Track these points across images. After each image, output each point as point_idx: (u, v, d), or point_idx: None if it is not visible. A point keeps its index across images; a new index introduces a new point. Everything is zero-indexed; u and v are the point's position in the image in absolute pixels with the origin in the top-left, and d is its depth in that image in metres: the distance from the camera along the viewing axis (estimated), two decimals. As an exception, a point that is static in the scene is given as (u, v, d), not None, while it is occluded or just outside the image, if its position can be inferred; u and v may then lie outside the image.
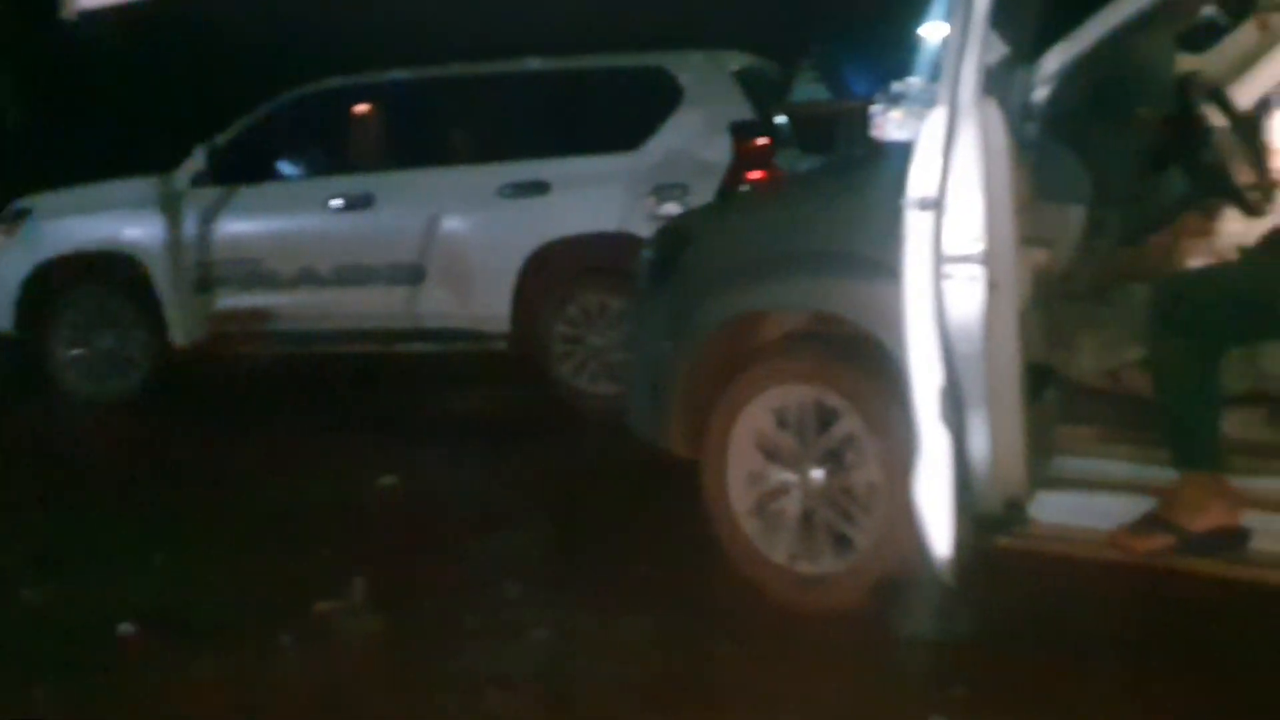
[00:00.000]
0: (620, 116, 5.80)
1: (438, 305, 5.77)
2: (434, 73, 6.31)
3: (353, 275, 5.87)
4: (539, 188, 5.61)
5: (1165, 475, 2.68)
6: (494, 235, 5.68)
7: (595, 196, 5.55)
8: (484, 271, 5.66)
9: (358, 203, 5.88)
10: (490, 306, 5.64)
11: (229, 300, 6.08)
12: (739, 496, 3.16)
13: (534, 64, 6.17)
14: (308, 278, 5.94)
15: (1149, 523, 2.62)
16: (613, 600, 3.31)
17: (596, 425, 4.96)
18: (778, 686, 2.77)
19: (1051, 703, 2.58)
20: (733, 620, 3.10)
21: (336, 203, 5.90)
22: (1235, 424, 2.81)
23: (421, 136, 6.21)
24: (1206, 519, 2.57)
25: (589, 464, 4.59)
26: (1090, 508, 2.78)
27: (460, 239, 5.73)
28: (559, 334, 5.58)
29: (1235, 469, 2.61)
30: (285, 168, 6.35)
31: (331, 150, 6.38)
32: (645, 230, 4.79)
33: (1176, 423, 2.67)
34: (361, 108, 6.28)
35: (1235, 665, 2.71)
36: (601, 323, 5.51)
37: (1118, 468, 2.82)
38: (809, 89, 9.23)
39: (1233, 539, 2.56)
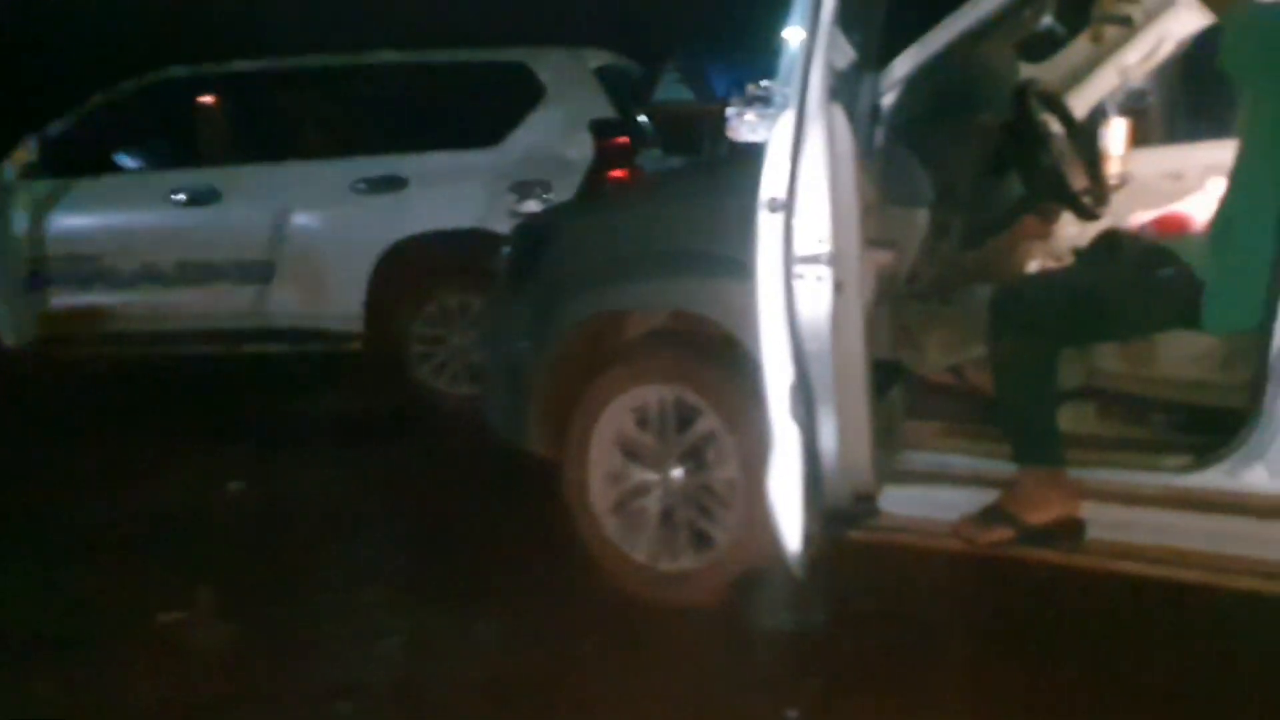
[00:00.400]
0: (480, 112, 5.74)
1: (288, 304, 5.60)
2: (285, 64, 6.12)
3: (197, 273, 5.64)
4: (395, 183, 5.50)
5: (1007, 469, 2.79)
6: (347, 232, 5.54)
7: (454, 193, 5.46)
8: (336, 269, 5.51)
9: (202, 197, 5.65)
10: (343, 305, 5.49)
11: (64, 299, 5.76)
12: (600, 496, 3.16)
13: (391, 57, 6.06)
14: (149, 276, 5.69)
15: (991, 515, 2.72)
16: (471, 603, 3.26)
17: (456, 427, 4.89)
18: (636, 685, 2.78)
19: (900, 689, 2.66)
20: (593, 620, 3.09)
21: (179, 197, 5.67)
22: (1068, 418, 2.94)
23: (271, 129, 6.03)
24: (1046, 512, 2.68)
25: (448, 466, 4.51)
26: (936, 500, 2.87)
27: (311, 235, 5.57)
28: (417, 334, 5.47)
29: (1069, 462, 2.72)
30: (124, 160, 6.08)
31: (174, 142, 6.13)
32: (505, 227, 4.70)
33: (1016, 419, 2.78)
34: (207, 99, 6.04)
35: (1074, 647, 2.83)
36: (461, 322, 5.43)
37: (962, 461, 2.91)
38: (672, 89, 9.31)
39: (1071, 530, 2.68)
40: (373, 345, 5.56)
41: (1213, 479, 2.53)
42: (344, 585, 3.42)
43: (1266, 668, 2.63)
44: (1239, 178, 2.70)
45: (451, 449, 4.66)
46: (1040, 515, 2.68)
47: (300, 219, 5.59)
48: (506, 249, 3.64)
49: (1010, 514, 2.70)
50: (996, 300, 2.88)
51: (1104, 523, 2.68)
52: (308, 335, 5.66)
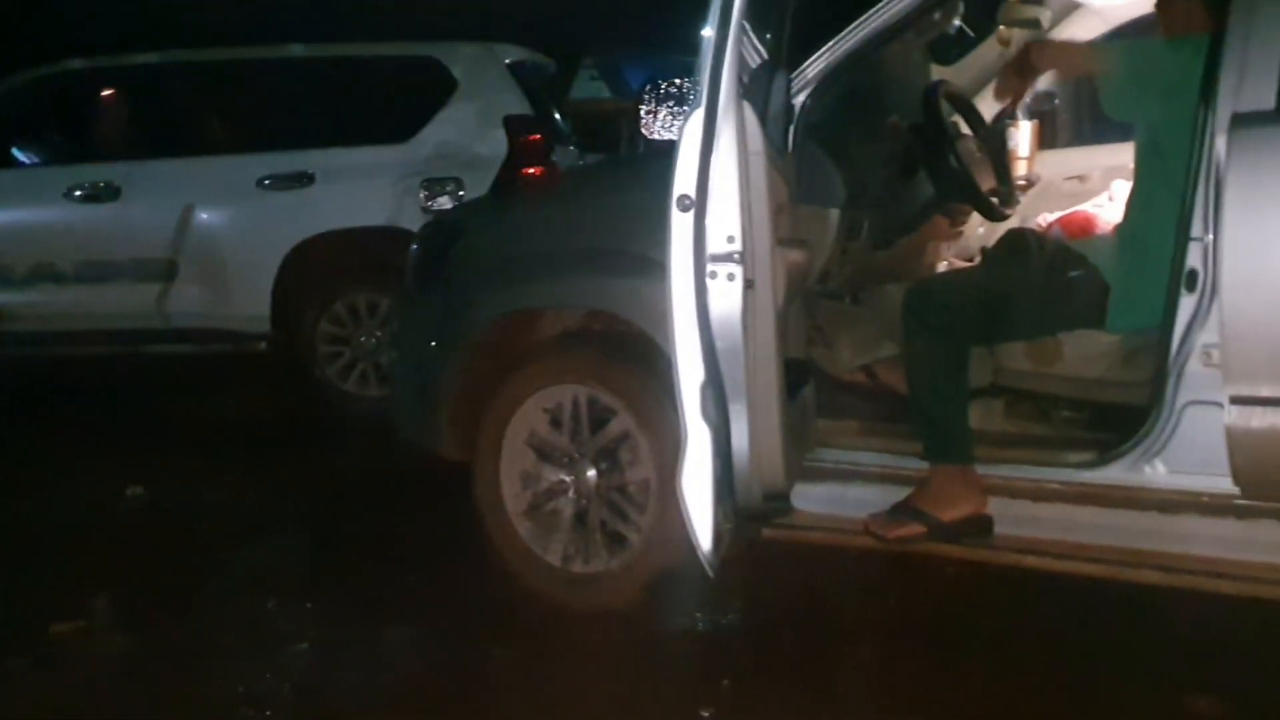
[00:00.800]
0: (390, 107, 5.66)
1: (191, 304, 5.46)
2: (188, 56, 5.96)
3: (96, 272, 5.48)
4: (302, 179, 5.39)
5: (918, 466, 2.81)
6: (252, 229, 5.42)
7: (363, 189, 5.38)
8: (242, 268, 5.39)
9: (102, 194, 5.48)
10: (249, 305, 5.37)
11: (-43, 300, 5.54)
12: (512, 498, 3.11)
13: (298, 50, 5.92)
14: (45, 274, 5.52)
15: (901, 512, 2.75)
16: (379, 610, 3.19)
17: (365, 429, 4.80)
18: (549, 689, 2.74)
19: (814, 686, 2.66)
20: (505, 624, 3.05)
21: (78, 193, 5.48)
22: (977, 416, 2.98)
23: (173, 124, 5.86)
24: (956, 509, 2.71)
25: (355, 470, 4.43)
26: (849, 497, 2.88)
27: (215, 233, 5.43)
28: (324, 334, 5.38)
29: (979, 458, 2.76)
30: (19, 155, 5.85)
31: (72, 137, 5.93)
32: (416, 225, 4.64)
33: (928, 417, 2.81)
34: (107, 92, 5.86)
35: (981, 642, 2.87)
36: (371, 322, 5.34)
37: (874, 459, 2.92)
38: (589, 86, 9.27)
39: (979, 527, 2.72)
40: (279, 346, 5.45)
41: (1115, 474, 2.57)
42: (247, 593, 3.32)
43: (1167, 659, 2.70)
44: (1140, 194, 2.81)
45: (359, 452, 4.58)
46: (950, 512, 2.71)
47: (204, 216, 5.45)
48: (414, 247, 3.57)
49: (921, 510, 2.73)
50: (908, 300, 2.90)
51: (1011, 518, 2.72)
52: (212, 336, 5.53)
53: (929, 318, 2.83)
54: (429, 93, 5.53)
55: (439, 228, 3.72)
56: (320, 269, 5.35)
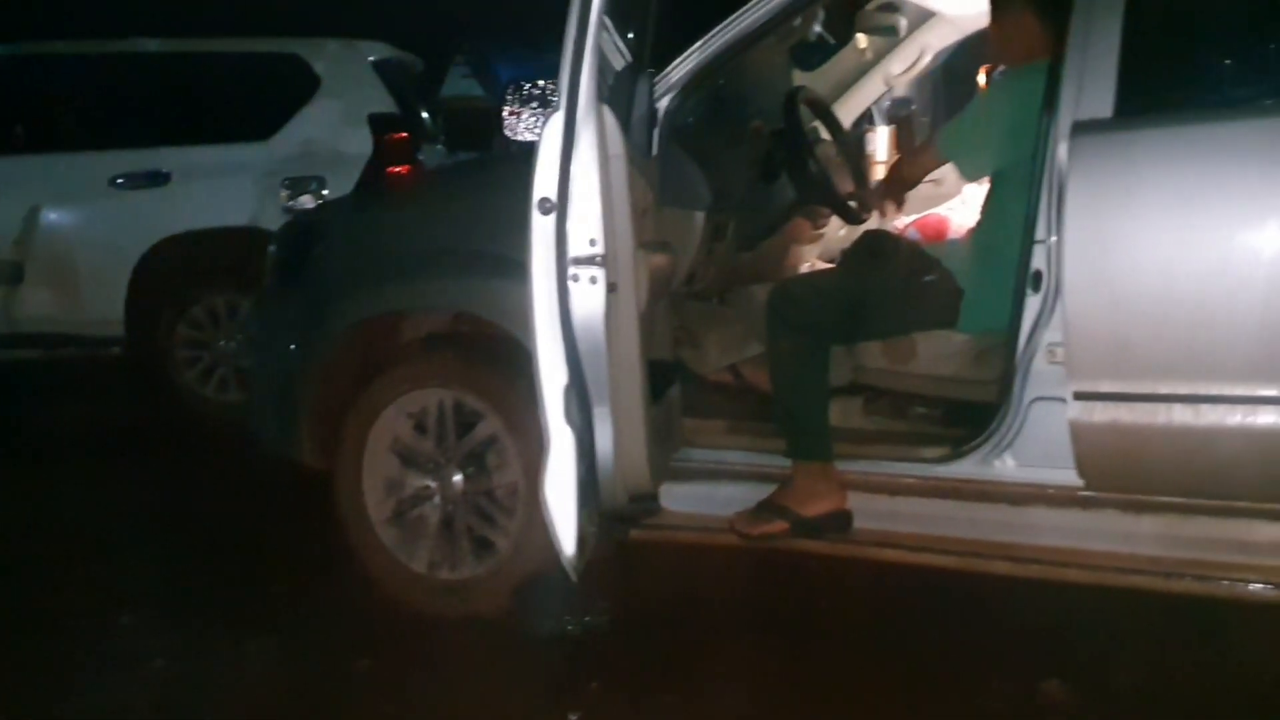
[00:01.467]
0: (250, 104, 5.49)
1: (40, 307, 5.21)
2: (36, 50, 5.69)
3: (-63, 274, 5.18)
4: (157, 178, 5.20)
5: (784, 463, 2.86)
6: (104, 230, 5.22)
7: (221, 189, 5.22)
8: (93, 270, 5.17)
9: (-58, 192, 5.19)
10: (101, 308, 5.15)
11: None
12: (376, 505, 3.06)
13: (153, 45, 5.70)
14: (-121, 275, 5.19)
15: (765, 509, 2.79)
16: (240, 623, 3.10)
17: (223, 436, 4.64)
18: (415, 699, 2.70)
19: (680, 686, 2.68)
20: (370, 635, 2.99)
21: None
22: (836, 413, 3.05)
23: (20, 120, 5.56)
24: (817, 505, 2.77)
25: (214, 479, 4.28)
26: (717, 496, 2.91)
27: (65, 234, 5.22)
28: (182, 338, 5.20)
29: (837, 455, 2.82)
30: None
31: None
32: (277, 225, 4.52)
33: (790, 416, 2.86)
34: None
35: (845, 635, 2.92)
36: (230, 325, 5.18)
37: (740, 457, 2.96)
38: (460, 84, 9.17)
39: (840, 522, 2.78)
40: (134, 351, 5.25)
41: (967, 469, 2.66)
42: (103, 608, 3.18)
43: (1019, 646, 2.80)
44: (991, 200, 2.93)
45: (218, 460, 4.43)
46: (812, 508, 2.77)
47: (52, 216, 5.23)
48: (273, 247, 3.47)
49: (783, 507, 2.78)
50: (771, 301, 2.95)
51: (871, 513, 2.78)
52: (62, 340, 5.29)
53: (791, 318, 2.88)
54: (290, 90, 5.41)
55: (299, 228, 3.63)
56: (177, 271, 5.17)
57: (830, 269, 3.55)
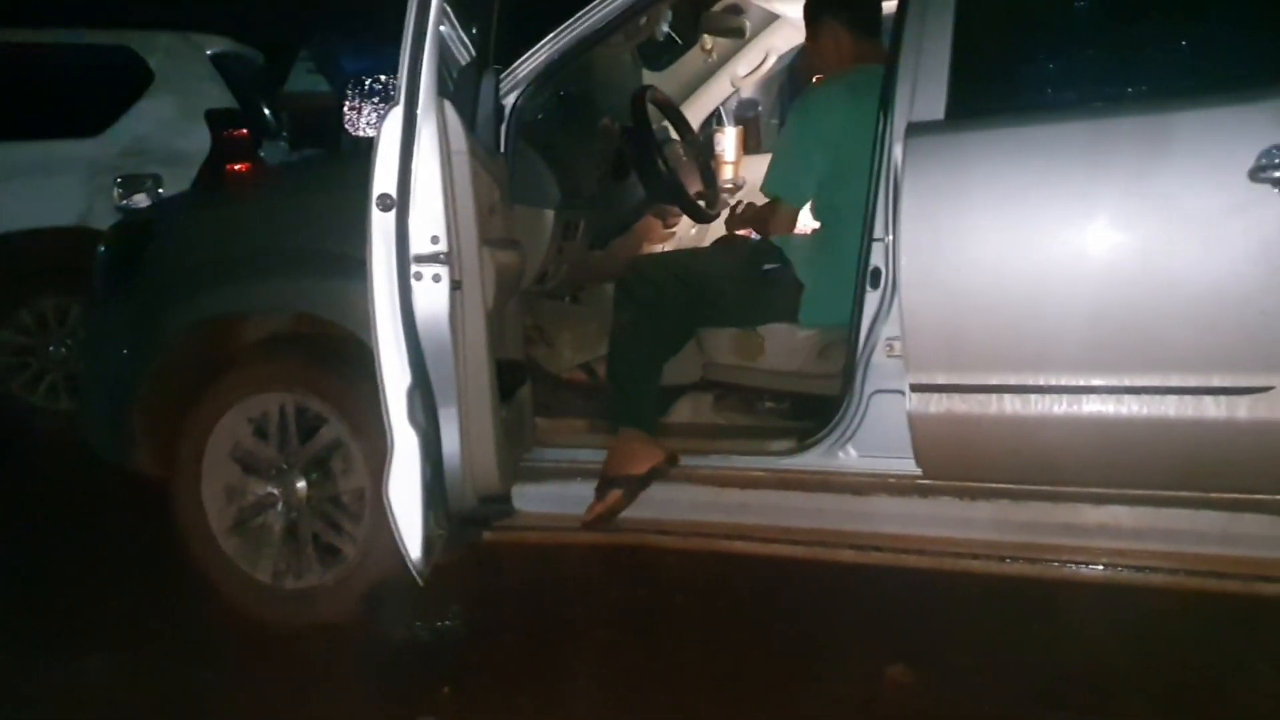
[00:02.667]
0: (80, 98, 5.22)
1: None
2: None
3: None
4: (-23, 175, 4.89)
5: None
6: (-81, 229, 4.87)
7: (49, 186, 4.96)
8: (-95, 272, 4.84)
9: None
10: (-85, 313, 4.83)
11: None
12: (216, 514, 2.95)
13: (-30, 34, 5.38)
14: None
15: (602, 487, 2.84)
16: (76, 640, 2.95)
17: (54, 446, 4.42)
18: (262, 711, 2.62)
19: (534, 687, 2.66)
20: (214, 647, 2.89)
21: None
22: (687, 409, 3.08)
23: None
24: (639, 464, 2.84)
25: (46, 490, 4.06)
26: (570, 495, 2.90)
27: (-127, 233, 4.85)
28: (8, 344, 4.91)
29: (689, 450, 2.86)
30: None
31: None
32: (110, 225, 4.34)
33: (620, 386, 2.96)
34: None
35: (698, 626, 2.95)
36: (60, 330, 4.92)
37: (594, 455, 2.95)
38: (305, 80, 8.91)
39: (665, 469, 2.84)
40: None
41: (812, 460, 2.71)
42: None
43: (866, 631, 2.88)
44: (822, 207, 3.05)
45: (50, 470, 4.21)
46: (637, 467, 2.83)
47: None
48: (102, 248, 3.31)
49: (612, 477, 2.83)
50: (621, 276, 3.03)
51: (722, 506, 2.81)
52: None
53: (637, 293, 2.95)
54: (123, 84, 5.17)
55: (130, 228, 3.47)
56: (1, 273, 4.87)
57: (682, 250, 3.57)
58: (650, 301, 2.94)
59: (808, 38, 3.16)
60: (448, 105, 2.37)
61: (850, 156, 2.79)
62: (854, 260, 2.66)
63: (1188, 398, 2.31)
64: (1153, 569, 2.47)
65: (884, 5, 3.17)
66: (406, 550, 2.35)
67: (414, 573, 2.37)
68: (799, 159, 3.03)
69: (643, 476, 2.81)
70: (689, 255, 3.40)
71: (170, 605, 3.10)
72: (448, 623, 2.98)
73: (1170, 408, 2.33)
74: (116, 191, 4.89)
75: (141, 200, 4.85)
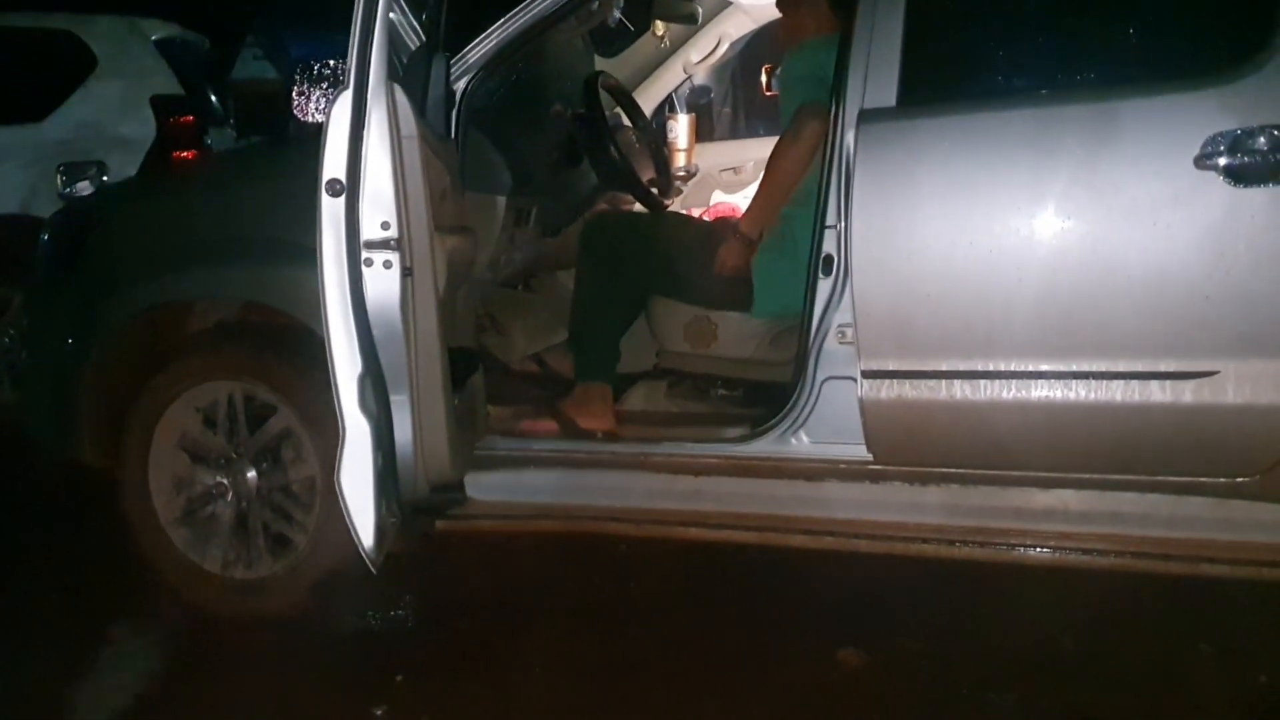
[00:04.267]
0: (19, 84, 5.12)
1: None
2: None
3: None
4: (-87, 162, 4.78)
5: (591, 448, 2.87)
6: None
7: None
8: None
9: None
10: None
11: None
12: (164, 505, 2.91)
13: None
14: None
15: (546, 411, 3.01)
16: (18, 632, 2.91)
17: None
18: (212, 702, 2.59)
19: (487, 675, 2.65)
20: (162, 639, 2.86)
21: None
22: (641, 397, 3.08)
23: None
24: (593, 420, 2.98)
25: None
26: (522, 484, 2.89)
27: None
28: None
29: (644, 438, 2.86)
30: None
31: None
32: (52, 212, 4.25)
33: (581, 339, 3.08)
34: None
35: (652, 614, 2.95)
36: (2, 321, 4.81)
37: (546, 444, 2.94)
38: (252, 66, 8.77)
39: (607, 438, 2.93)
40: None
41: (765, 447, 2.71)
42: None
43: (817, 616, 2.90)
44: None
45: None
46: (587, 421, 2.98)
47: None
48: (45, 235, 3.24)
49: (564, 415, 3.00)
50: (585, 229, 3.13)
51: (675, 493, 2.81)
52: None
53: (600, 248, 3.05)
54: (65, 69, 5.07)
55: (73, 214, 3.41)
56: (-62, 261, 4.76)
57: (650, 214, 3.55)
58: (610, 256, 3.03)
59: (786, 8, 3.14)
60: (398, 89, 2.34)
61: None
62: (794, 250, 2.68)
63: (1134, 383, 2.35)
64: (1100, 552, 2.50)
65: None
66: (359, 538, 2.33)
67: (367, 561, 2.36)
68: (814, 71, 2.87)
69: (583, 429, 2.95)
70: (651, 218, 3.40)
71: (117, 597, 3.05)
72: (400, 612, 2.96)
73: (1117, 392, 2.36)
74: (59, 178, 4.80)
75: (85, 187, 4.76)
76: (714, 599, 3.02)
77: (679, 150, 4.13)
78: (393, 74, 2.34)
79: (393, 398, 2.39)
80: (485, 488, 2.88)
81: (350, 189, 2.25)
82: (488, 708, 2.53)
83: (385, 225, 2.30)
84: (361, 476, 2.32)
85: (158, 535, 2.91)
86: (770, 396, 2.82)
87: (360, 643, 2.86)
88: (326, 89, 6.62)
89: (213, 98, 5.65)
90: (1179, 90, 2.29)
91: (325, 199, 2.27)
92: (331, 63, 6.74)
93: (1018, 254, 2.39)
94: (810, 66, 2.91)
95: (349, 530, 2.36)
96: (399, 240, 2.31)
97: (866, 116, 2.49)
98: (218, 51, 6.51)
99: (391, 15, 2.37)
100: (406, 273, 2.33)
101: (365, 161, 2.27)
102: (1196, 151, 2.22)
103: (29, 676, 2.73)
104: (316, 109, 6.64)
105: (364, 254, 2.29)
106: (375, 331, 2.32)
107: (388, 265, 2.31)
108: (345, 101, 2.24)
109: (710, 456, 2.79)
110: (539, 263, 3.53)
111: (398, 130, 2.31)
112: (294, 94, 6.64)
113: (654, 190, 3.50)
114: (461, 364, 2.69)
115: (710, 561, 3.05)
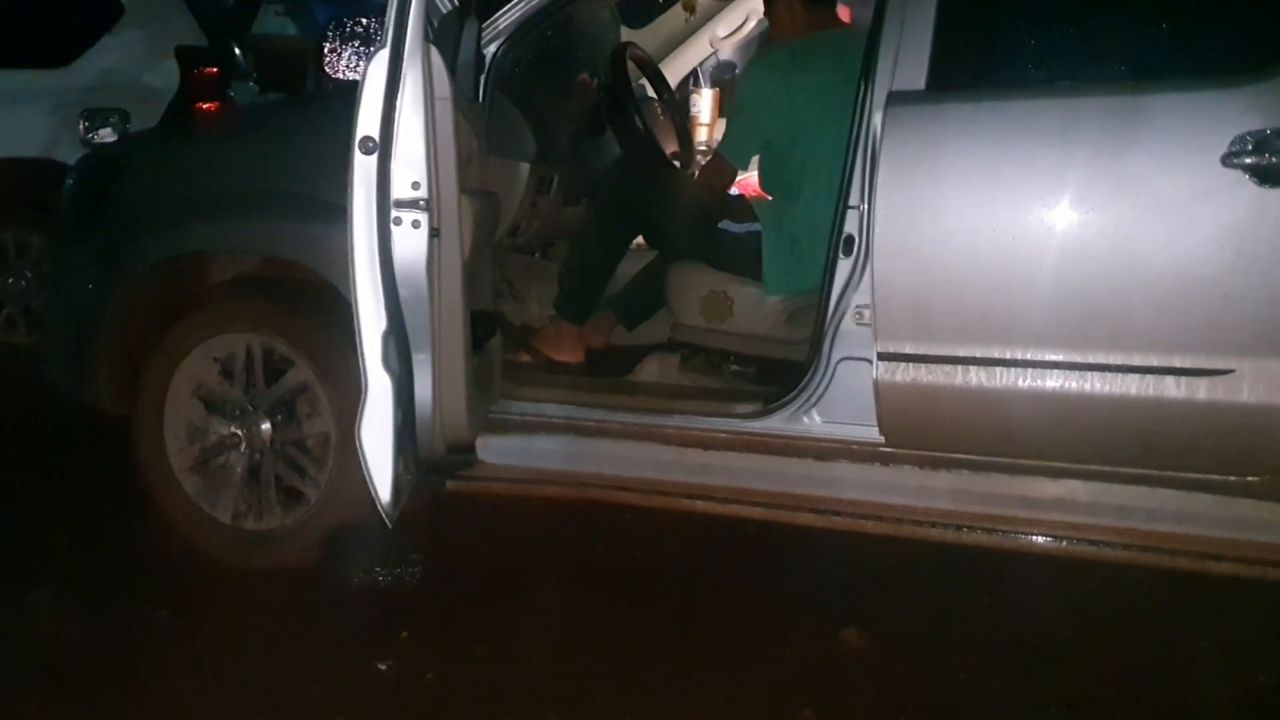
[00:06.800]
0: (46, 29, 5.12)
1: None
2: None
3: None
4: (-61, 102, 4.79)
5: (601, 417, 2.88)
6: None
7: (12, 116, 4.85)
8: None
9: None
10: None
11: None
12: (178, 453, 2.93)
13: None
14: None
15: (524, 347, 3.27)
16: (33, 576, 2.93)
17: (14, 379, 4.35)
18: (220, 650, 2.62)
19: (492, 635, 2.68)
20: (171, 586, 2.87)
21: None
22: (654, 369, 3.09)
23: None
24: (560, 353, 3.28)
25: (3, 425, 4.00)
26: (533, 449, 2.91)
27: None
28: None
29: (654, 409, 2.87)
30: None
31: None
32: (74, 157, 4.23)
33: (569, 277, 3.31)
34: None
35: (655, 584, 2.97)
36: (20, 263, 4.84)
37: (557, 410, 2.96)
38: (274, 23, 8.73)
39: (576, 369, 3.19)
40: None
41: (776, 424, 2.73)
42: None
43: (821, 594, 2.93)
44: (767, 179, 3.13)
45: (6, 404, 4.14)
46: (557, 354, 3.27)
47: None
48: (70, 182, 3.25)
49: (536, 349, 3.27)
50: (606, 177, 3.34)
51: (683, 466, 2.82)
52: None
53: (616, 199, 3.24)
54: (92, 16, 5.06)
55: (99, 161, 3.41)
56: (-41, 202, 4.79)
57: (674, 173, 3.56)
58: (617, 205, 3.22)
59: (765, 6, 3.17)
60: (434, 51, 2.35)
61: (792, 127, 2.86)
62: (800, 233, 2.70)
63: (1149, 377, 2.36)
64: (1106, 544, 2.52)
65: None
66: (377, 493, 2.35)
67: (383, 515, 2.38)
68: (741, 125, 3.11)
69: (553, 362, 3.25)
70: (672, 177, 3.43)
71: (128, 543, 3.08)
72: (407, 571, 2.98)
73: (1132, 386, 2.37)
74: (81, 124, 4.79)
75: (107, 134, 4.75)
76: (718, 573, 3.04)
77: (701, 125, 4.13)
78: (427, 35, 2.34)
79: (415, 356, 2.40)
80: (495, 451, 2.91)
81: (383, 147, 2.26)
82: (491, 668, 2.56)
83: (415, 185, 2.31)
84: (381, 432, 2.34)
85: (170, 483, 2.94)
86: (783, 375, 2.83)
87: (367, 599, 2.89)
88: (359, 47, 6.59)
89: (236, 51, 5.64)
90: (1209, 87, 2.29)
91: (358, 156, 2.28)
92: (365, 21, 6.71)
93: (1040, 243, 2.39)
94: (753, 94, 3.05)
95: (366, 484, 2.38)
96: (428, 201, 2.32)
97: (895, 99, 2.49)
98: (240, 6, 6.48)
99: (426, -25, 2.37)
100: (434, 233, 2.34)
101: (399, 121, 2.27)
102: (1224, 149, 2.23)
103: (31, 616, 2.77)
104: (348, 67, 6.61)
105: (394, 213, 2.30)
106: (401, 290, 2.33)
107: (416, 225, 2.32)
108: (381, 60, 2.24)
109: (721, 431, 2.81)
110: (558, 231, 3.54)
111: (432, 91, 2.32)
112: (326, 50, 6.60)
113: (676, 163, 3.50)
114: (481, 327, 2.70)
115: (716, 536, 3.08)
